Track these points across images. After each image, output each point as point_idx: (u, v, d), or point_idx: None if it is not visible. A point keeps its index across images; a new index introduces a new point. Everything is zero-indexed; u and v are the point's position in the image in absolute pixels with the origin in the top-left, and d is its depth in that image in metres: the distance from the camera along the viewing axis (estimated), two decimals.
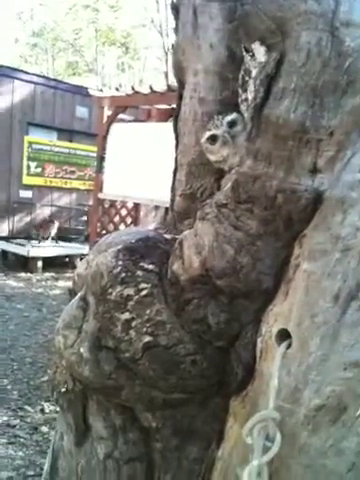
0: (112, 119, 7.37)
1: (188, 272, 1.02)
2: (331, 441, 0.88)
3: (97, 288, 1.12)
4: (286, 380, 0.92)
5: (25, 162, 10.21)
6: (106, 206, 7.70)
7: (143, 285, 1.08)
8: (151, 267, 1.09)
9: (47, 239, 9.46)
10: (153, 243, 1.15)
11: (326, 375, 0.88)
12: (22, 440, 3.61)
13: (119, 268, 1.10)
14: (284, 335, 0.95)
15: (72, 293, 1.31)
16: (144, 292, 1.07)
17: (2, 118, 9.69)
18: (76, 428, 1.21)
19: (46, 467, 1.34)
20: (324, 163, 0.88)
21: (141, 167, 6.55)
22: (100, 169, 7.39)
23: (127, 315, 1.07)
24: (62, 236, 9.85)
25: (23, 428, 3.79)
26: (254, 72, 0.93)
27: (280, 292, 0.97)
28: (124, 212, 7.98)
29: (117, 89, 7.34)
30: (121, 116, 7.56)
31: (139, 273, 1.09)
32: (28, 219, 10.24)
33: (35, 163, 10.32)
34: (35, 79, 10.12)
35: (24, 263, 9.23)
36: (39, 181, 10.47)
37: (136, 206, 8.04)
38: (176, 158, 1.42)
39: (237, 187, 0.96)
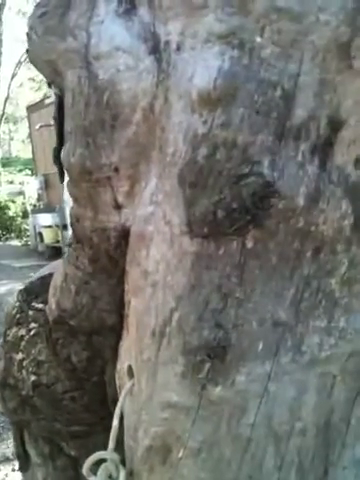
0: None
1: (51, 313, 1.04)
2: None
3: (3, 328, 1.19)
4: (132, 418, 0.91)
5: None
6: None
7: (32, 325, 1.12)
8: (41, 306, 1.13)
9: None
10: (51, 280, 1.19)
11: (151, 415, 0.85)
12: None
13: (16, 309, 1.16)
14: (132, 372, 0.94)
15: None
16: (32, 332, 1.11)
17: None
18: (17, 455, 1.29)
19: None
20: (123, 198, 0.85)
21: None
22: None
23: (20, 355, 1.12)
24: None
25: None
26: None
27: (124, 328, 0.95)
28: None
29: None
30: None
31: (30, 313, 1.14)
32: None
33: None
34: None
35: None
36: None
37: None
38: None
39: (72, 227, 0.97)
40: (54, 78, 0.88)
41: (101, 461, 1.03)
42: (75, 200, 0.90)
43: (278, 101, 0.70)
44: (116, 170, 0.83)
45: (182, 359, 0.80)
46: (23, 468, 1.30)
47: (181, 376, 0.80)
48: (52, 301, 1.02)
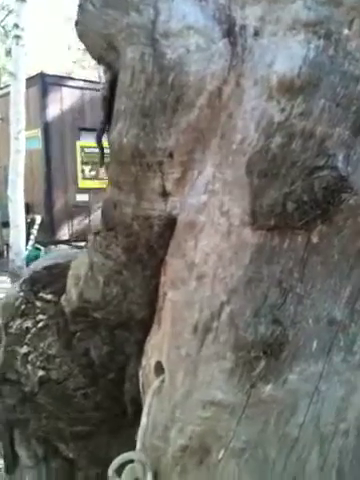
0: None
1: (69, 304, 0.98)
2: None
3: (4, 320, 1.11)
4: (159, 417, 0.87)
5: (79, 166, 10.47)
6: None
7: (40, 317, 1.05)
8: (50, 297, 1.07)
9: None
10: (59, 270, 1.12)
11: (189, 413, 0.82)
12: None
13: (20, 299, 1.09)
14: (162, 368, 0.89)
15: None
16: (41, 324, 1.05)
17: (54, 126, 9.98)
18: (5, 457, 1.21)
19: None
20: (172, 186, 0.82)
21: None
22: None
23: (25, 348, 1.05)
24: None
25: None
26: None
27: (155, 322, 0.91)
28: None
29: None
30: None
31: (38, 304, 1.07)
32: (86, 222, 10.50)
33: (89, 167, 10.56)
34: (82, 84, 10.32)
35: None
36: (94, 184, 10.69)
37: None
38: None
39: (104, 214, 0.92)
40: (105, 54, 0.83)
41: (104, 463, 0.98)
42: (116, 185, 0.86)
43: (358, 95, 0.69)
44: (170, 155, 0.79)
45: (231, 355, 0.77)
46: (9, 470, 1.22)
47: (229, 373, 0.77)
48: (73, 292, 0.97)
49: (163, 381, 0.88)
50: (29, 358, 1.04)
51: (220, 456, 0.79)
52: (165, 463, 0.85)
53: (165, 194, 0.83)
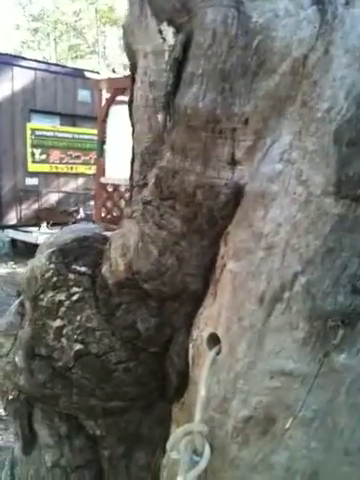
0: (111, 102, 7.28)
1: (115, 275, 0.95)
2: (261, 455, 0.82)
3: (31, 293, 1.06)
4: (216, 389, 0.86)
5: (29, 149, 10.17)
6: (110, 190, 7.65)
7: (74, 289, 1.01)
8: (83, 269, 1.03)
9: (49, 226, 9.44)
10: (89, 243, 1.08)
11: (253, 384, 0.81)
12: None
13: (51, 272, 1.04)
14: (215, 340, 0.88)
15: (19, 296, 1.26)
16: (75, 297, 1.01)
17: (3, 106, 9.63)
18: (22, 436, 1.16)
19: (3, 474, 1.31)
20: (242, 154, 0.80)
21: None
22: (101, 153, 7.33)
23: (58, 322, 1.01)
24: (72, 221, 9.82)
25: None
26: (166, 56, 0.85)
27: (209, 294, 0.90)
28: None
29: (114, 71, 7.22)
30: (121, 98, 7.44)
31: (71, 276, 1.03)
32: (35, 206, 10.24)
33: (39, 150, 10.27)
34: (34, 65, 9.99)
35: (33, 251, 9.23)
36: (44, 168, 10.43)
37: None
38: (132, 147, 1.35)
39: (159, 183, 0.89)
40: (177, 15, 0.81)
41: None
42: (181, 151, 0.83)
43: None
44: (246, 122, 0.78)
45: (305, 325, 0.77)
46: (27, 450, 1.17)
47: (302, 342, 0.77)
48: (120, 262, 0.93)
49: (218, 353, 0.87)
50: (63, 332, 1.00)
51: (287, 425, 0.79)
52: (223, 435, 0.84)
53: (233, 162, 0.81)
